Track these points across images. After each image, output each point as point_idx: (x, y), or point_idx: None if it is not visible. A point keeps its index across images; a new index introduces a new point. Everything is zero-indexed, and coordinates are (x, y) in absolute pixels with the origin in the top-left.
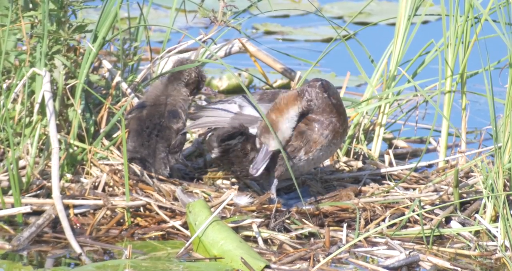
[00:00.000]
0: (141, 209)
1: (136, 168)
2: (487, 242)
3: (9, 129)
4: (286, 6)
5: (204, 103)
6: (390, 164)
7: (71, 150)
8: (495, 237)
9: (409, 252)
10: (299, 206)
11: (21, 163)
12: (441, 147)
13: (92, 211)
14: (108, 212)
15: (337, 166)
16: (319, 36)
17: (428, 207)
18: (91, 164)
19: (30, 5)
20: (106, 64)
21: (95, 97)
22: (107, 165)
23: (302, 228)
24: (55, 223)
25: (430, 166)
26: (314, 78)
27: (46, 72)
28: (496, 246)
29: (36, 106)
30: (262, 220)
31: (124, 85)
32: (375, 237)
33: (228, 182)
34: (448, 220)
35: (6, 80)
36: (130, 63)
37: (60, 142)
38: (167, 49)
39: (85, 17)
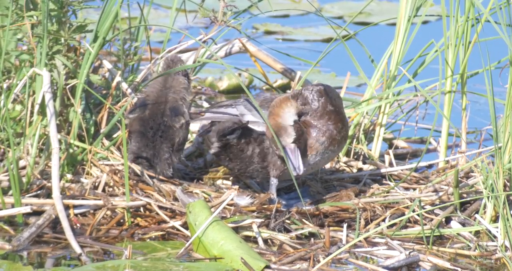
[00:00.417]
0: (141, 209)
1: (136, 168)
2: (487, 242)
3: (9, 130)
4: (286, 6)
5: (204, 103)
6: (390, 164)
7: (71, 150)
8: (495, 237)
9: (409, 252)
10: (299, 206)
11: (21, 163)
12: (441, 147)
13: (92, 211)
14: (108, 212)
15: (337, 166)
16: (319, 36)
17: (428, 207)
18: (91, 164)
19: (31, 5)
20: (107, 64)
21: (95, 98)
22: (107, 165)
23: (302, 228)
24: (55, 223)
25: (430, 166)
26: (318, 83)
27: (47, 72)
28: (496, 246)
29: (36, 107)
30: (262, 220)
31: (124, 85)
32: (375, 237)
33: (228, 182)
34: (448, 220)
35: (7, 80)
36: (130, 63)
37: (60, 142)
38: (167, 49)
39: (85, 17)
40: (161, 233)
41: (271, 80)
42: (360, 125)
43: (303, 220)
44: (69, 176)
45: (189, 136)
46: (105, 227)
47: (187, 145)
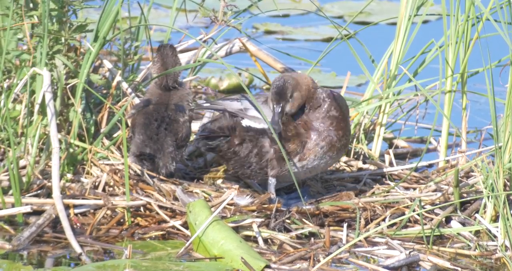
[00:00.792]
0: (142, 208)
1: (137, 167)
2: (487, 242)
3: (9, 129)
4: (287, 6)
5: (204, 103)
6: (390, 164)
7: (71, 150)
8: (495, 237)
9: (409, 252)
10: (300, 205)
11: (22, 162)
12: (442, 147)
13: (92, 211)
14: (109, 212)
15: (337, 166)
16: (319, 35)
17: (428, 207)
18: (92, 164)
19: (31, 5)
20: (107, 64)
21: (95, 97)
22: (107, 164)
23: (302, 228)
24: (55, 223)
25: (430, 165)
26: (333, 90)
27: (47, 72)
28: (496, 246)
29: (37, 106)
30: (262, 219)
31: (124, 85)
32: (375, 237)
33: (228, 182)
34: (448, 219)
35: (7, 80)
36: (130, 63)
37: (60, 141)
38: None
39: (85, 17)
40: (161, 232)
41: (271, 80)
42: (360, 125)
43: (303, 219)
44: (69, 176)
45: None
46: (105, 226)
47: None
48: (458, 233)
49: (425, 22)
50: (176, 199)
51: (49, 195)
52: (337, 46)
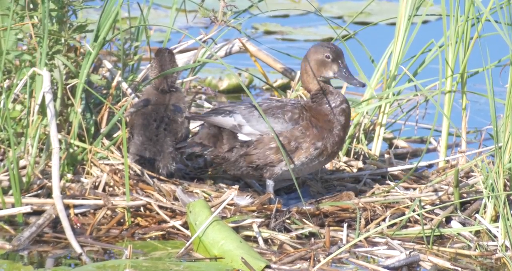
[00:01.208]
0: (142, 209)
1: (137, 167)
2: (487, 242)
3: (10, 130)
4: (286, 6)
5: (204, 103)
6: (390, 164)
7: (71, 150)
8: (495, 237)
9: (410, 252)
10: (300, 206)
11: (22, 162)
12: (442, 147)
13: (92, 211)
14: (109, 212)
15: (337, 166)
16: (319, 36)
17: (429, 207)
18: (92, 164)
19: (31, 5)
20: (107, 64)
21: (95, 97)
22: (107, 164)
23: (303, 228)
24: (55, 223)
25: (430, 165)
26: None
27: (47, 72)
28: (497, 246)
29: (37, 106)
30: (263, 220)
31: (124, 85)
32: (375, 237)
33: (228, 182)
34: (448, 220)
35: (7, 80)
36: (130, 63)
37: (60, 141)
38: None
39: (85, 17)
40: (161, 232)
41: (271, 80)
42: (360, 125)
43: (303, 219)
44: (69, 176)
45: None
46: (105, 226)
47: None
48: (458, 233)
49: (424, 22)
50: (176, 199)
51: (49, 195)
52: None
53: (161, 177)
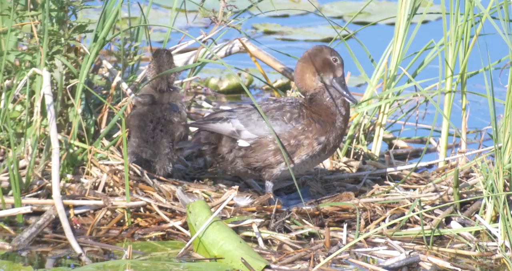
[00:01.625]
0: (141, 209)
1: (136, 168)
2: (487, 242)
3: (10, 130)
4: (286, 6)
5: (204, 103)
6: (390, 164)
7: (71, 150)
8: (495, 237)
9: (409, 252)
10: (299, 206)
11: (22, 163)
12: (441, 147)
13: (92, 211)
14: (108, 212)
15: (337, 166)
16: (319, 36)
17: (428, 207)
18: (91, 164)
19: (31, 5)
20: (107, 64)
21: (95, 98)
22: (107, 165)
23: (302, 228)
24: (55, 224)
25: (430, 166)
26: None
27: (47, 72)
28: (496, 246)
29: (37, 107)
30: (262, 220)
31: (124, 85)
32: (375, 238)
33: (228, 182)
34: (448, 220)
35: (7, 80)
36: (130, 63)
37: (60, 142)
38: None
39: (85, 17)
40: (161, 233)
41: (271, 80)
42: (360, 125)
43: (303, 220)
44: (69, 176)
45: (190, 137)
46: (105, 227)
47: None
48: (458, 234)
49: (424, 22)
50: (176, 199)
51: (49, 195)
52: (337, 46)
53: (161, 177)
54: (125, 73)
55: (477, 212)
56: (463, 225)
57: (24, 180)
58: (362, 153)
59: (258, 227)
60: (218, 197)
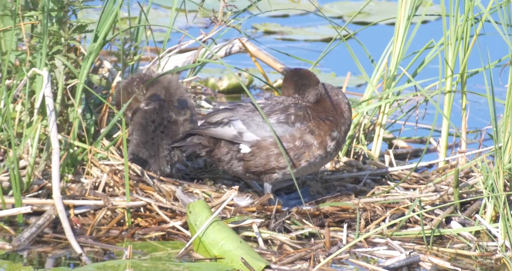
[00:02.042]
0: (142, 209)
1: (137, 168)
2: (487, 242)
3: (10, 130)
4: (286, 6)
5: (204, 103)
6: (390, 164)
7: (71, 150)
8: (495, 237)
9: (410, 253)
10: (299, 206)
11: (22, 163)
12: (441, 147)
13: (92, 211)
14: (109, 212)
15: (337, 166)
16: (319, 36)
17: (428, 207)
18: (92, 164)
19: (31, 5)
20: (107, 64)
21: (95, 98)
22: (107, 165)
23: (303, 229)
24: (55, 223)
25: (430, 166)
26: None
27: (47, 72)
28: (497, 246)
29: (37, 107)
30: (263, 220)
31: None
32: (375, 238)
33: (228, 182)
34: (448, 220)
35: (7, 80)
36: (130, 63)
37: (60, 142)
38: (167, 49)
39: (85, 17)
40: (161, 233)
41: (271, 80)
42: (360, 125)
43: (303, 220)
44: (69, 176)
45: None
46: (105, 227)
47: None
48: (458, 234)
49: (424, 22)
50: (176, 199)
51: (49, 195)
52: (337, 46)
53: (161, 178)
54: (125, 73)
55: (477, 212)
56: (463, 225)
57: (24, 180)
58: (362, 153)
59: (258, 227)
60: (218, 197)
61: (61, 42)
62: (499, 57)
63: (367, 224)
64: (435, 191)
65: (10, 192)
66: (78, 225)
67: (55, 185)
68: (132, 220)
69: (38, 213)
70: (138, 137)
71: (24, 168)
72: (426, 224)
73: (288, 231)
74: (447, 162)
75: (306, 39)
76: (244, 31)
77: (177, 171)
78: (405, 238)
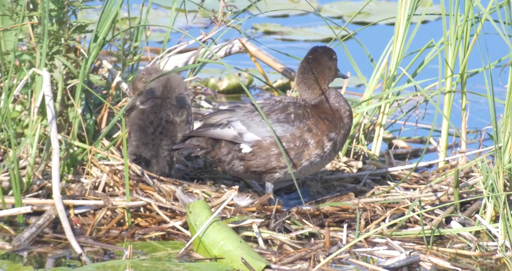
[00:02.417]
0: (142, 209)
1: (137, 168)
2: (487, 242)
3: (10, 130)
4: (285, 6)
5: (204, 103)
6: (390, 164)
7: (71, 150)
8: (495, 237)
9: (410, 252)
10: (299, 206)
11: (22, 163)
12: (441, 147)
13: (92, 211)
14: (109, 212)
15: (337, 166)
16: (319, 36)
17: (428, 207)
18: (91, 164)
19: (31, 5)
20: (106, 64)
21: (95, 98)
22: (107, 165)
23: (303, 229)
24: (55, 223)
25: (430, 166)
26: None
27: (47, 72)
28: (497, 246)
29: (37, 107)
30: (263, 220)
31: (124, 85)
32: (375, 238)
33: (228, 182)
34: (448, 220)
35: (6, 80)
36: (130, 63)
37: (60, 142)
38: (167, 49)
39: (85, 17)
40: (161, 233)
41: (271, 80)
42: (360, 125)
43: (303, 220)
44: (69, 176)
45: None
46: (105, 227)
47: None
48: (458, 234)
49: (424, 22)
50: (176, 199)
51: (49, 195)
52: (337, 46)
53: (161, 177)
54: (125, 73)
55: (477, 212)
56: (463, 225)
57: (24, 180)
58: (362, 153)
59: (258, 227)
60: (218, 197)
61: (61, 42)
62: (499, 57)
63: (367, 224)
64: (435, 191)
65: (10, 192)
66: (78, 225)
67: (55, 185)
68: (132, 220)
69: (38, 213)
70: (137, 138)
71: (24, 168)
72: (426, 224)
73: (288, 231)
74: (447, 162)
75: (306, 39)
76: (244, 31)
77: (177, 171)
78: (405, 238)
